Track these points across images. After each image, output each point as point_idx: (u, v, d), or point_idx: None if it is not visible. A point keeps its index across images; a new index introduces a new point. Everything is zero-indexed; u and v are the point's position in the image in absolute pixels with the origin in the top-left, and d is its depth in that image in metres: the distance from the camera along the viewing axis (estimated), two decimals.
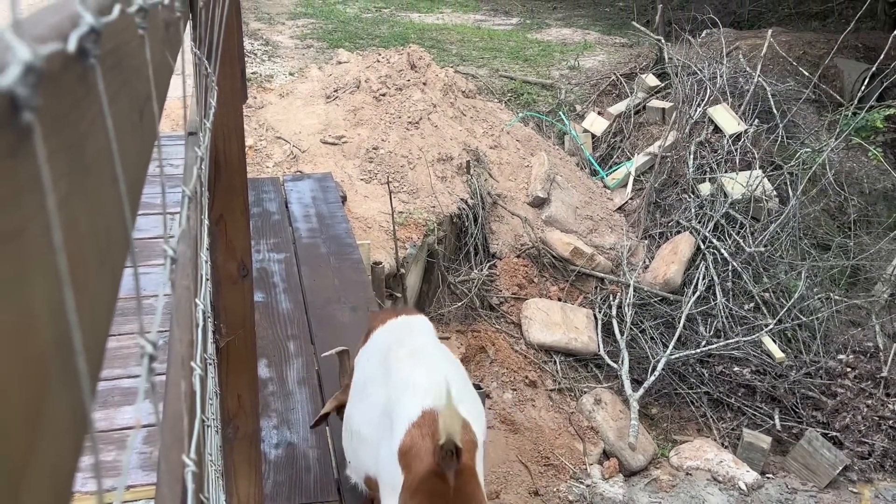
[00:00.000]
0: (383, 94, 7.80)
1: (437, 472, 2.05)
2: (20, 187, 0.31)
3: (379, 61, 8.34)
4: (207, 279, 1.55)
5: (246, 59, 8.67)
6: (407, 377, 2.30)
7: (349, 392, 2.74)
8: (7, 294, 0.28)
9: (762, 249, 7.80)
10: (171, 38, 1.12)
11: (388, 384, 2.36)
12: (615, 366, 6.93)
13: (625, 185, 8.90)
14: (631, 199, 8.77)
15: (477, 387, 5.02)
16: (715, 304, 7.43)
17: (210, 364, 1.56)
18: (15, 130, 0.31)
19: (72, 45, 0.41)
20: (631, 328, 7.23)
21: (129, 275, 0.63)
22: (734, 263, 7.65)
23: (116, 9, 0.57)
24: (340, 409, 2.88)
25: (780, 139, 9.00)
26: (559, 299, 7.39)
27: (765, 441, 6.63)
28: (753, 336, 7.16)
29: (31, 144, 0.32)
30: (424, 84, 8.08)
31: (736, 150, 8.66)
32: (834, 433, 6.76)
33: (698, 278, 7.61)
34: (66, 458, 0.36)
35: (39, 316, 0.32)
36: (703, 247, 7.87)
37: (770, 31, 10.50)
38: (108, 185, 0.52)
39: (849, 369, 7.15)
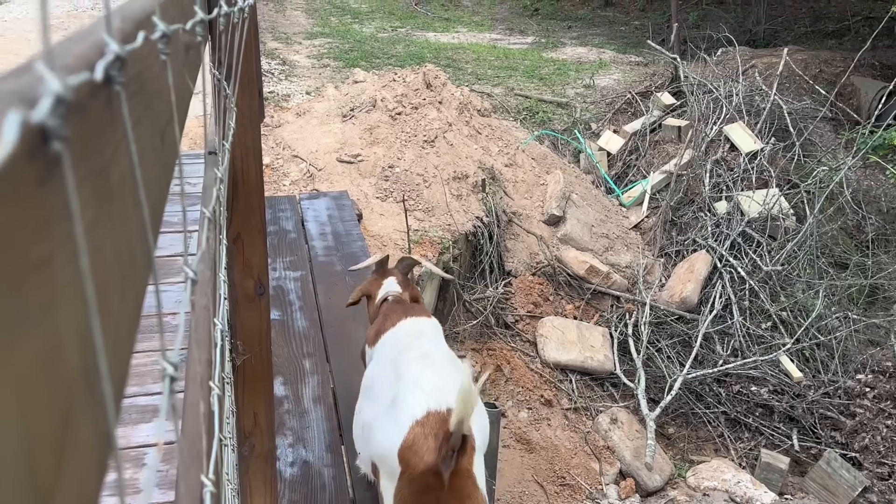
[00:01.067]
0: (399, 113, 7.84)
1: (434, 470, 2.16)
2: (49, 216, 0.32)
3: (395, 80, 8.39)
4: (225, 298, 1.56)
5: (263, 78, 8.75)
6: (416, 378, 2.41)
7: (372, 288, 3.10)
8: (37, 321, 0.29)
9: (779, 268, 7.75)
10: (191, 61, 1.14)
11: (396, 383, 2.46)
12: (631, 385, 6.90)
13: (640, 204, 8.88)
14: (647, 217, 8.75)
15: (492, 405, 5.01)
16: (732, 322, 7.38)
17: (227, 383, 1.57)
18: (44, 160, 0.31)
19: (98, 74, 0.41)
20: (647, 347, 7.20)
21: (149, 292, 0.64)
22: (751, 282, 7.61)
23: (140, 36, 0.59)
24: (365, 297, 3.16)
25: (796, 157, 8.97)
26: (575, 317, 7.37)
27: (783, 461, 6.56)
28: (771, 355, 7.11)
29: (59, 173, 0.33)
30: (440, 103, 8.11)
31: (752, 168, 8.64)
32: (853, 454, 6.68)
33: (715, 297, 7.57)
34: (92, 479, 0.36)
35: (67, 342, 0.33)
36: (719, 265, 7.84)
37: (786, 50, 10.49)
38: (132, 210, 0.53)
39: (868, 389, 7.07)
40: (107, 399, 0.36)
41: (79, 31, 0.58)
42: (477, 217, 7.20)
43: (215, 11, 1.14)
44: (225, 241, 1.60)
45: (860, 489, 6.36)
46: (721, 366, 7.07)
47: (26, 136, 0.28)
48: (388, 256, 3.34)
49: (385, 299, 3.10)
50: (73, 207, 0.33)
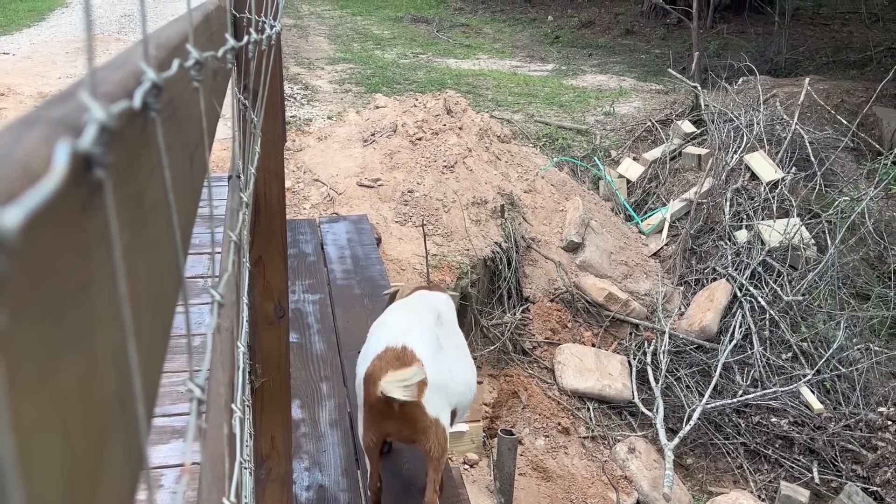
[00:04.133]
0: (419, 139, 7.88)
1: (382, 399, 2.54)
2: (90, 240, 0.32)
3: (416, 106, 8.44)
4: (246, 321, 1.57)
5: (286, 102, 8.83)
6: (385, 319, 2.84)
7: None
8: (77, 345, 0.30)
9: (800, 298, 7.69)
10: (219, 86, 1.15)
11: (378, 322, 2.89)
12: (650, 414, 6.84)
13: (660, 231, 8.86)
14: (666, 245, 8.72)
15: (509, 433, 4.99)
16: (752, 352, 7.32)
17: (247, 406, 1.57)
18: (87, 186, 0.32)
19: (137, 102, 0.42)
20: (666, 376, 7.14)
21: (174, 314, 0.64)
22: (771, 312, 7.55)
23: (175, 63, 0.60)
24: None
25: (817, 187, 8.93)
26: (593, 345, 7.34)
27: (803, 494, 6.47)
28: (791, 386, 7.04)
29: (100, 199, 0.33)
30: (460, 129, 8.15)
31: (773, 197, 8.60)
32: (875, 488, 6.58)
33: (735, 326, 7.51)
34: (125, 497, 0.37)
35: (104, 365, 0.33)
36: (739, 294, 7.79)
37: (808, 79, 10.48)
38: (164, 232, 0.54)
39: (890, 422, 6.98)
40: (139, 419, 0.37)
41: (115, 58, 0.59)
42: (495, 242, 7.20)
43: (245, 39, 1.15)
44: (248, 265, 1.62)
45: None
46: (741, 396, 7.01)
47: (73, 164, 0.29)
48: (397, 290, 3.45)
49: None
50: (113, 232, 0.34)
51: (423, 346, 2.65)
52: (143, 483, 0.40)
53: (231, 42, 0.90)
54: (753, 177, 8.95)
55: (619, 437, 6.74)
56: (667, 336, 7.38)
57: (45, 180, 0.25)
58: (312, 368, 4.12)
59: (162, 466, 2.64)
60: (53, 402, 0.27)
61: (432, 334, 2.80)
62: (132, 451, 0.38)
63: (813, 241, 8.36)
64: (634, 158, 9.93)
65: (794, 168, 8.96)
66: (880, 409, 7.07)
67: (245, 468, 1.24)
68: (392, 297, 3.43)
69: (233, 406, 0.89)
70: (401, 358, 2.59)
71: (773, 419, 6.96)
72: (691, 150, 9.57)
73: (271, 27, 1.58)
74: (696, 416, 6.75)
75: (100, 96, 0.39)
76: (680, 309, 7.94)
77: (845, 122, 9.87)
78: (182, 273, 0.57)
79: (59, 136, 0.29)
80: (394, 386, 2.49)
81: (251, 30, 1.22)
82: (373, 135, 8.09)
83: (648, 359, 7.29)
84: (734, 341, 7.37)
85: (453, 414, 2.82)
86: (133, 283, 0.41)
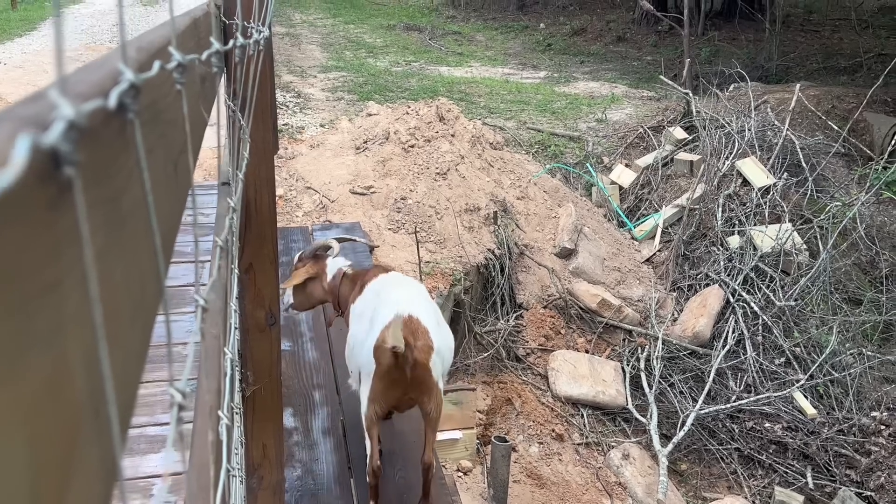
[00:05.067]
0: (412, 146, 7.88)
1: (398, 364, 2.73)
2: (59, 239, 0.32)
3: (408, 113, 8.44)
4: (236, 328, 1.56)
5: (278, 110, 8.82)
6: (389, 295, 3.03)
7: (316, 269, 3.56)
8: (45, 345, 0.29)
9: (793, 303, 7.70)
10: (207, 93, 1.15)
11: (377, 303, 3.05)
12: (643, 420, 6.83)
13: (653, 237, 8.87)
14: (659, 251, 8.73)
15: (503, 439, 4.98)
16: (745, 358, 7.33)
17: (236, 413, 1.56)
18: (56, 184, 0.31)
19: (112, 102, 0.42)
20: (659, 382, 7.14)
21: (159, 322, 0.64)
22: (764, 317, 7.56)
23: (156, 65, 0.59)
24: (309, 279, 3.57)
25: (809, 193, 8.95)
26: (586, 351, 7.33)
27: (797, 500, 6.47)
28: (785, 391, 7.04)
29: (71, 198, 0.33)
30: (453, 136, 8.15)
31: (765, 203, 8.62)
32: (868, 492, 6.58)
33: (728, 332, 7.52)
34: None
35: (74, 366, 0.32)
36: (732, 300, 7.79)
37: (798, 86, 10.51)
38: (143, 237, 0.53)
39: (883, 427, 6.99)
40: (113, 424, 0.36)
41: (95, 61, 0.58)
42: (489, 249, 7.20)
43: (231, 43, 1.15)
44: (237, 272, 1.61)
45: None
46: (734, 401, 7.01)
47: (37, 159, 0.28)
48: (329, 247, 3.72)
49: (344, 273, 3.53)
50: (83, 232, 0.33)
51: (427, 316, 2.89)
52: (118, 493, 0.39)
53: (216, 45, 0.89)
54: (745, 183, 8.97)
55: (613, 444, 6.73)
56: (660, 342, 7.38)
57: (1, 172, 0.25)
58: (305, 376, 4.10)
59: (152, 476, 2.62)
60: (17, 403, 0.26)
61: (432, 306, 3.08)
62: (106, 459, 0.37)
63: (805, 246, 8.38)
64: (627, 165, 9.95)
65: (785, 174, 8.99)
66: (873, 413, 7.08)
67: (234, 476, 1.23)
68: (324, 247, 3.66)
69: (219, 413, 0.89)
70: (408, 326, 2.79)
71: (767, 424, 6.96)
72: (683, 156, 9.59)
73: (259, 32, 1.57)
74: (689, 421, 6.75)
75: (73, 95, 0.38)
76: (673, 315, 7.94)
77: (836, 128, 9.90)
78: (163, 278, 0.56)
79: (22, 130, 0.28)
80: (398, 335, 2.69)
81: (237, 34, 1.21)
82: (365, 142, 8.08)
83: (642, 365, 7.29)
84: (727, 347, 7.38)
85: None
86: (109, 287, 0.41)
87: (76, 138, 0.32)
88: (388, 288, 3.15)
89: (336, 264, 3.58)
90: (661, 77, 11.56)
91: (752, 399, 7.01)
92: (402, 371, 2.76)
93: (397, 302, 2.91)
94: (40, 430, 0.29)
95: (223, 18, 1.88)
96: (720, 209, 8.63)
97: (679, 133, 10.00)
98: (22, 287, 0.27)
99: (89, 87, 0.43)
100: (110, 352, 0.37)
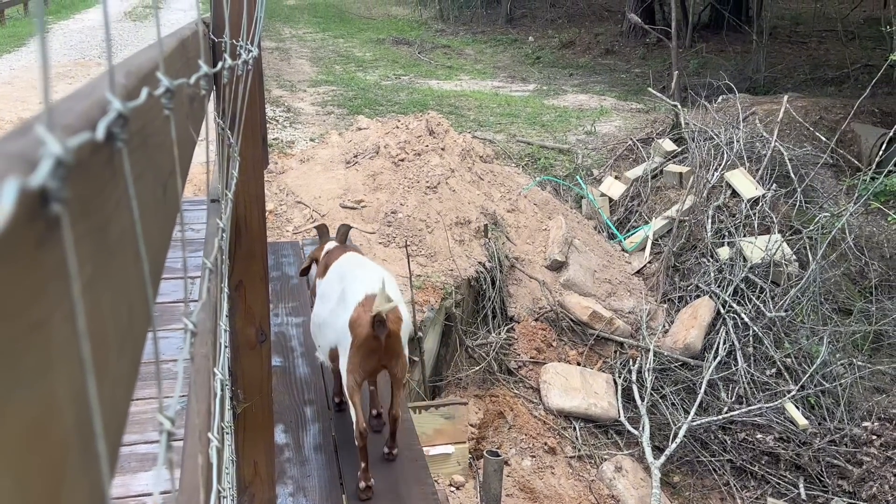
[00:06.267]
0: (402, 160, 7.89)
1: (373, 334, 3.04)
2: (47, 276, 0.32)
3: (398, 127, 8.46)
4: (226, 346, 1.56)
5: (268, 125, 8.82)
6: (357, 275, 3.30)
7: (317, 253, 3.87)
8: (33, 384, 0.29)
9: (783, 314, 7.73)
10: (196, 113, 1.15)
11: (343, 283, 3.32)
12: (636, 432, 6.83)
13: (643, 249, 8.89)
14: (649, 262, 8.75)
15: (495, 453, 4.97)
16: (736, 369, 7.34)
17: (226, 433, 1.55)
18: (43, 221, 0.31)
19: (100, 133, 0.42)
20: (651, 393, 7.14)
21: (149, 340, 0.63)
22: (755, 328, 7.58)
23: (144, 92, 0.59)
24: (314, 261, 3.90)
25: (798, 203, 8.99)
26: (578, 364, 7.33)
27: None
28: (776, 402, 7.05)
29: (58, 234, 0.33)
30: (442, 149, 8.16)
31: (754, 214, 8.66)
32: (861, 502, 6.59)
33: (719, 343, 7.53)
34: None
35: (62, 402, 0.32)
36: (723, 311, 7.81)
37: (786, 97, 10.58)
38: (132, 264, 0.53)
39: (874, 437, 7.00)
40: (101, 458, 0.36)
41: (82, 88, 0.58)
42: (479, 262, 7.20)
43: (219, 65, 1.15)
44: (226, 290, 1.60)
45: None
46: (726, 413, 7.01)
47: (25, 200, 0.28)
48: (325, 224, 4.08)
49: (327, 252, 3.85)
50: (71, 269, 0.33)
51: (394, 292, 3.20)
52: None
53: (204, 69, 0.90)
54: (734, 194, 9.01)
55: (605, 456, 6.73)
56: (651, 354, 7.38)
57: None
58: (296, 392, 4.09)
59: (143, 494, 2.60)
60: (3, 445, 0.26)
61: (395, 284, 3.43)
62: (94, 490, 0.37)
63: (794, 257, 8.41)
64: (616, 177, 9.98)
65: (774, 185, 9.03)
66: (865, 423, 7.09)
67: (224, 496, 1.23)
68: (323, 233, 4.00)
69: (209, 435, 0.88)
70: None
71: (759, 435, 6.96)
72: (672, 168, 9.63)
73: (248, 52, 1.57)
74: (682, 433, 6.75)
75: (60, 128, 0.38)
76: (664, 326, 7.95)
77: (824, 139, 9.97)
78: (151, 304, 0.56)
79: (13, 171, 0.28)
80: (383, 301, 2.99)
81: (226, 55, 1.21)
82: (355, 156, 8.09)
83: (634, 377, 7.29)
84: (718, 358, 7.39)
85: None
86: (97, 317, 0.41)
87: (64, 175, 0.32)
88: (353, 269, 3.43)
89: (329, 247, 3.90)
90: (650, 89, 11.62)
91: (743, 410, 7.02)
92: (378, 340, 3.06)
93: (365, 281, 3.22)
94: (28, 468, 0.29)
95: (212, 36, 1.88)
96: (710, 220, 8.66)
97: (668, 145, 10.04)
98: (8, 329, 0.27)
99: (76, 118, 0.43)
100: (98, 383, 0.37)
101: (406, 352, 3.26)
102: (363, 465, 3.22)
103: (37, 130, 0.33)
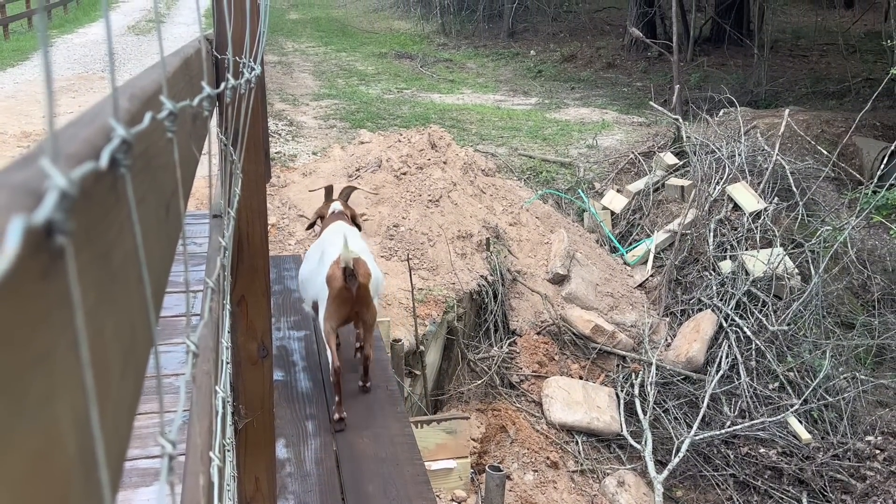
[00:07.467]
0: (404, 173, 7.90)
1: (345, 287, 3.68)
2: (51, 307, 0.32)
3: (400, 141, 8.48)
4: (228, 363, 1.56)
5: (270, 139, 8.85)
6: (333, 241, 3.88)
7: (323, 210, 4.54)
8: (37, 414, 0.29)
9: (785, 328, 7.71)
10: (198, 131, 1.15)
11: (322, 246, 3.98)
12: (638, 447, 6.81)
13: (645, 262, 8.89)
14: (651, 276, 8.75)
15: (497, 468, 4.96)
16: (739, 383, 7.32)
17: (227, 450, 1.55)
18: (48, 253, 0.32)
19: (104, 161, 0.42)
20: (654, 407, 7.12)
21: (150, 355, 0.64)
22: (757, 342, 7.57)
23: (147, 116, 0.60)
24: (319, 217, 4.57)
25: (800, 217, 9.00)
26: (580, 377, 7.32)
27: None
28: (779, 416, 7.03)
29: (63, 264, 0.33)
30: (444, 163, 8.18)
31: (756, 227, 8.66)
32: None
33: (721, 357, 7.52)
34: None
35: (65, 432, 0.33)
36: (725, 325, 7.80)
37: (787, 111, 10.60)
38: (135, 287, 0.53)
39: (878, 451, 6.97)
40: (104, 486, 0.36)
41: (86, 112, 0.59)
42: (481, 276, 7.20)
43: (222, 86, 1.16)
44: (228, 305, 1.61)
45: None
46: (729, 427, 6.99)
47: (31, 235, 0.29)
48: (332, 185, 4.70)
49: (332, 212, 4.47)
50: (75, 299, 0.33)
51: (364, 254, 3.88)
52: None
53: (207, 90, 0.90)
54: (736, 207, 9.01)
55: (608, 471, 6.71)
56: (654, 367, 7.37)
57: None
58: (298, 406, 4.08)
59: None
60: (6, 479, 0.26)
61: (365, 245, 4.15)
62: None
63: (797, 270, 8.40)
64: (618, 190, 9.99)
65: (776, 198, 9.04)
66: (868, 437, 7.07)
67: None
68: (328, 193, 4.62)
69: (210, 454, 0.88)
70: (349, 261, 3.70)
71: (762, 450, 6.94)
72: (674, 181, 9.64)
73: (251, 70, 1.58)
74: (684, 447, 6.73)
75: (64, 157, 0.39)
76: (666, 340, 7.94)
77: (826, 153, 9.98)
78: (153, 325, 0.56)
79: (18, 205, 0.29)
80: (349, 255, 3.63)
81: (229, 75, 1.22)
82: (358, 170, 8.10)
83: (636, 391, 7.28)
84: (721, 372, 7.37)
85: None
86: (100, 343, 0.41)
87: (68, 207, 0.32)
88: (331, 235, 4.02)
89: (334, 207, 4.48)
90: (652, 103, 11.65)
91: (746, 424, 7.00)
92: (349, 291, 3.68)
93: (337, 245, 3.77)
94: (32, 499, 0.29)
95: (215, 53, 1.89)
96: (711, 234, 8.66)
97: (670, 158, 10.05)
98: (14, 361, 0.27)
99: (81, 146, 0.43)
100: (101, 409, 0.37)
101: (375, 301, 3.91)
102: (337, 398, 3.76)
103: (41, 163, 0.33)
